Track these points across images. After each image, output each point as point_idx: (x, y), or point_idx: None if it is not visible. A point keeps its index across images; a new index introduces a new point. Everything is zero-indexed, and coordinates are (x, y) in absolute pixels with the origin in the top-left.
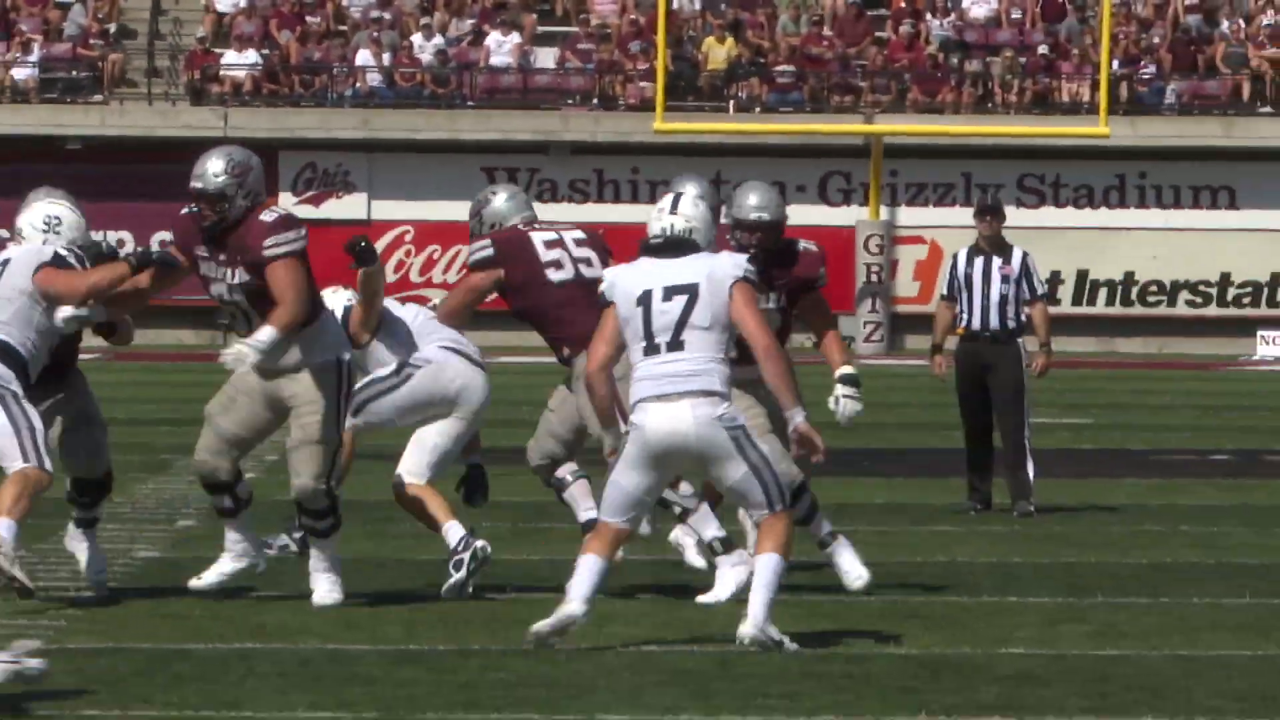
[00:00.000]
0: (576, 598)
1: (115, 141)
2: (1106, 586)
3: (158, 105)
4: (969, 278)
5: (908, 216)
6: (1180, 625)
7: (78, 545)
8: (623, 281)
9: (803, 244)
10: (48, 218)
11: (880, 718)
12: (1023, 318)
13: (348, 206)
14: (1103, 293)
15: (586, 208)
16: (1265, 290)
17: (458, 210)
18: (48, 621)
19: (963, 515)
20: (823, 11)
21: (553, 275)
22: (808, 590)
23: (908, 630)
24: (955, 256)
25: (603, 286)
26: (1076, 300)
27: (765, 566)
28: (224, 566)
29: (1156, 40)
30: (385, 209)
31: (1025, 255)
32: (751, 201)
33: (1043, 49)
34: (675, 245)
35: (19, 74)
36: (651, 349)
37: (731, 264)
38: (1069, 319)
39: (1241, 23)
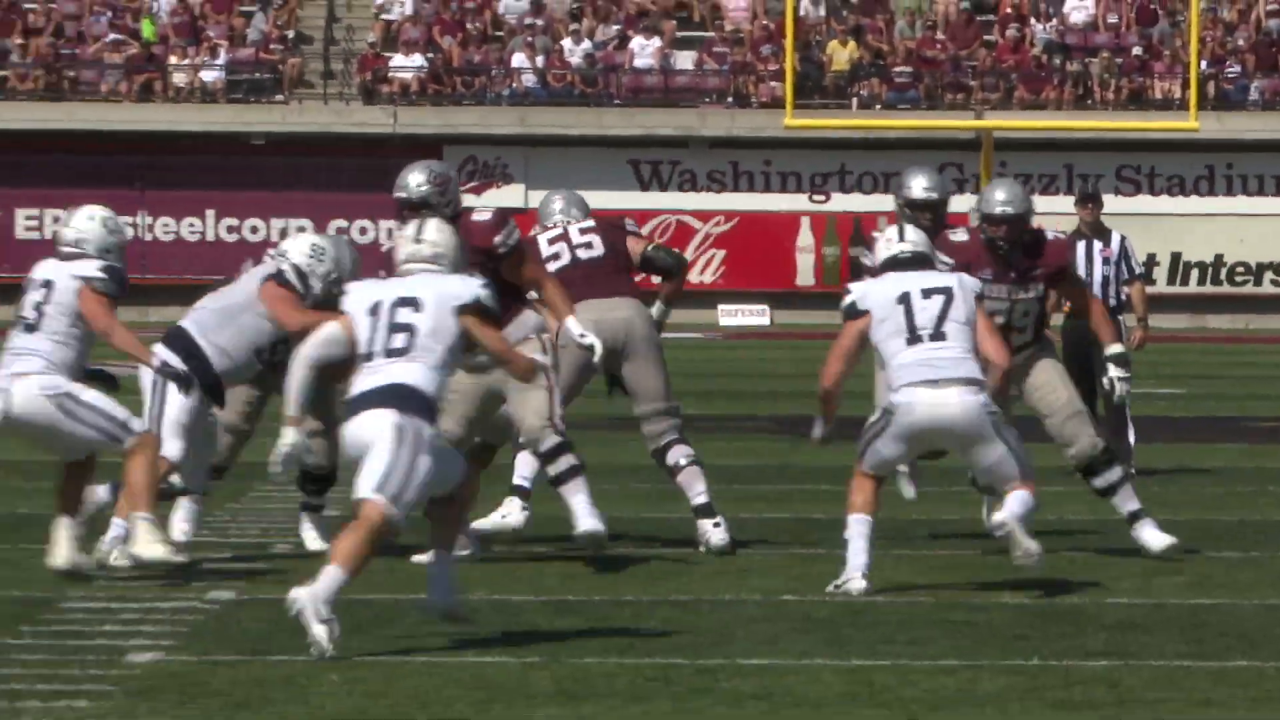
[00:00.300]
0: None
1: (295, 137)
2: (1201, 542)
3: (333, 104)
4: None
5: None
6: (1269, 577)
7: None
8: (875, 290)
9: (1050, 233)
10: (314, 246)
11: (997, 661)
12: (1122, 296)
13: (506, 196)
14: (1194, 273)
15: (723, 196)
16: None
17: (606, 199)
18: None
19: (1069, 476)
20: (936, 17)
21: (551, 266)
22: (933, 545)
23: (1022, 582)
24: None
25: (852, 298)
26: (1170, 280)
27: (1018, 499)
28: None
29: (1241, 42)
30: (540, 198)
31: (1123, 239)
32: (999, 196)
33: (1137, 50)
34: (918, 260)
35: (207, 76)
36: (915, 339)
37: (973, 281)
38: (1163, 298)
39: None
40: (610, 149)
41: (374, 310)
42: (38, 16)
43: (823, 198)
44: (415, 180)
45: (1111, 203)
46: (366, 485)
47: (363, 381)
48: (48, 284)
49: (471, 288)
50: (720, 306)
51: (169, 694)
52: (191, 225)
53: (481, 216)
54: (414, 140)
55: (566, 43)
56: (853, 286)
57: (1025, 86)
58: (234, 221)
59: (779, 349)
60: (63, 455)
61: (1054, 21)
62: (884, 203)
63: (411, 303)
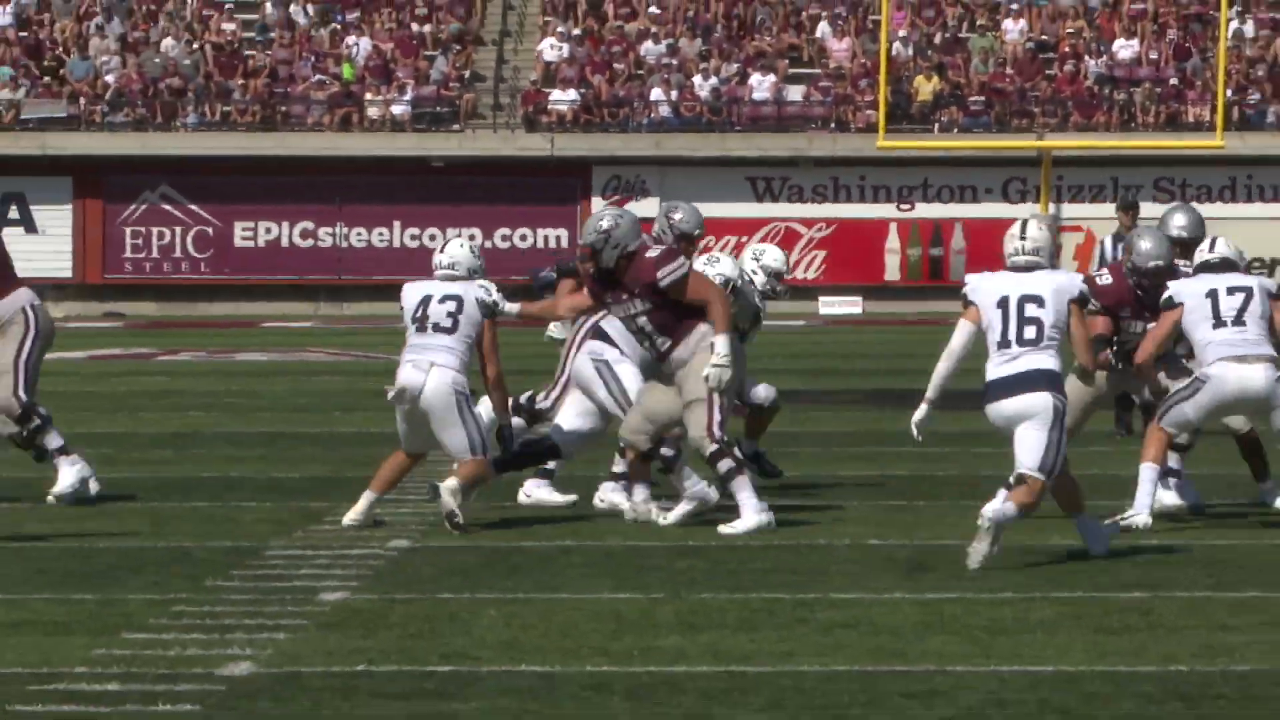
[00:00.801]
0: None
1: (468, 160)
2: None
3: (500, 132)
4: (1115, 258)
5: (1069, 211)
6: None
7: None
8: (1187, 286)
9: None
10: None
11: (1047, 594)
12: None
13: (643, 207)
14: None
15: (825, 206)
16: None
17: (728, 209)
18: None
19: (1111, 438)
20: (1005, 54)
21: None
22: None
23: (1069, 529)
24: (1102, 241)
25: (1169, 293)
26: None
27: None
28: (684, 507)
29: (1261, 73)
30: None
31: None
32: (1149, 249)
33: (1174, 81)
34: (1225, 265)
35: (397, 110)
36: (1219, 324)
37: (1270, 282)
38: None
39: None
40: (731, 168)
41: (1002, 304)
42: (256, 60)
43: (908, 207)
44: (589, 227)
45: (1149, 209)
46: (1030, 461)
47: (1005, 367)
48: (456, 299)
49: (1076, 282)
50: (820, 298)
51: (354, 628)
52: (380, 234)
53: (651, 253)
54: (567, 162)
55: (696, 79)
56: (1171, 285)
57: (1079, 112)
58: (416, 231)
59: (870, 334)
60: (420, 445)
61: (1104, 57)
62: (958, 211)
63: (1035, 299)
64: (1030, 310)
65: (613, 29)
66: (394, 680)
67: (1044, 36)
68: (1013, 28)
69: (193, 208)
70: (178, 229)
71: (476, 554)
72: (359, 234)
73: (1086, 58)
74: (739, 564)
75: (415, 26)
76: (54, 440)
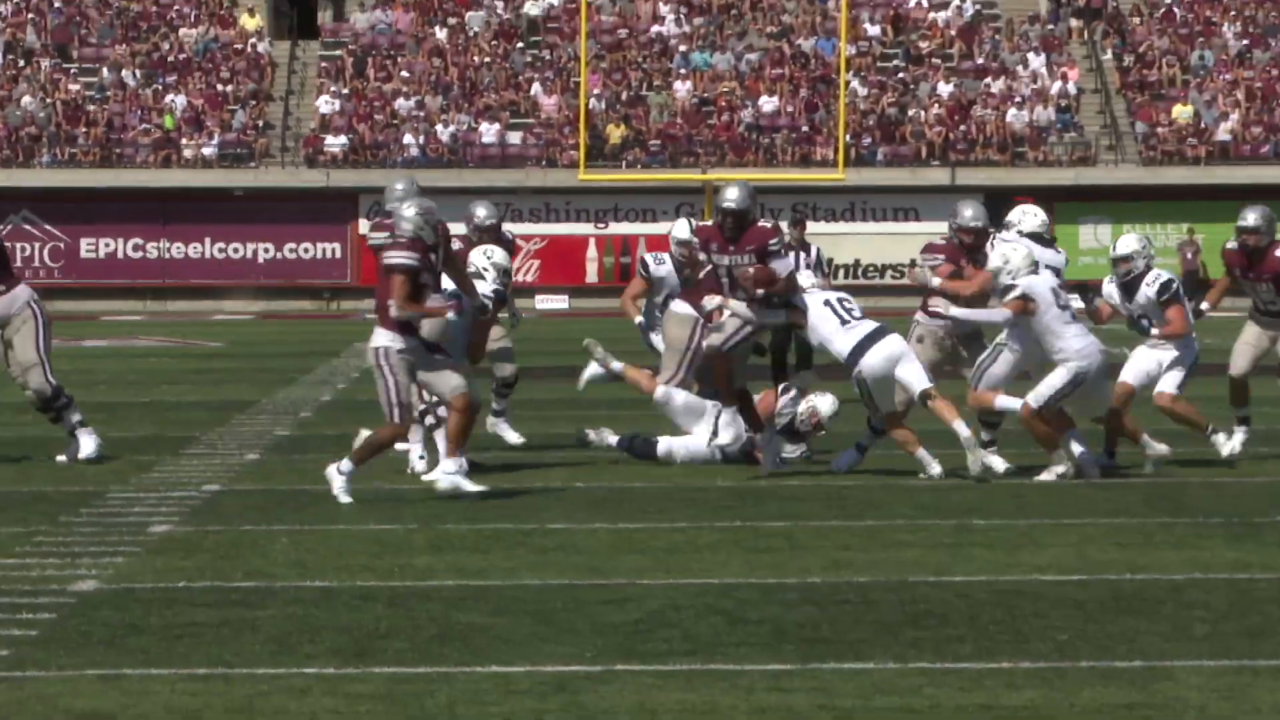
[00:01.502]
0: None
1: (263, 190)
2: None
3: (287, 168)
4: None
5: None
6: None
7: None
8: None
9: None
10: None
11: (713, 523)
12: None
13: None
14: (842, 272)
15: (540, 225)
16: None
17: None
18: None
19: None
20: (676, 108)
21: None
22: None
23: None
24: None
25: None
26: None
27: None
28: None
29: (871, 123)
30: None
31: (818, 249)
32: (968, 214)
33: (805, 128)
34: None
35: (206, 151)
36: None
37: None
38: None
39: (923, 112)
40: (467, 196)
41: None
42: (95, 113)
43: (604, 225)
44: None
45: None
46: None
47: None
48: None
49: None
50: (537, 296)
51: (175, 553)
52: (195, 248)
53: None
54: (340, 192)
55: (439, 127)
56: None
57: (734, 152)
58: (223, 245)
59: (575, 324)
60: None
61: (751, 110)
62: (642, 229)
63: None
64: None
65: (373, 88)
66: (207, 593)
67: (705, 94)
68: (681, 87)
69: (47, 227)
70: (36, 244)
71: (271, 495)
72: (178, 247)
73: (745, 108)
74: (476, 502)
75: (220, 86)
76: (74, 416)
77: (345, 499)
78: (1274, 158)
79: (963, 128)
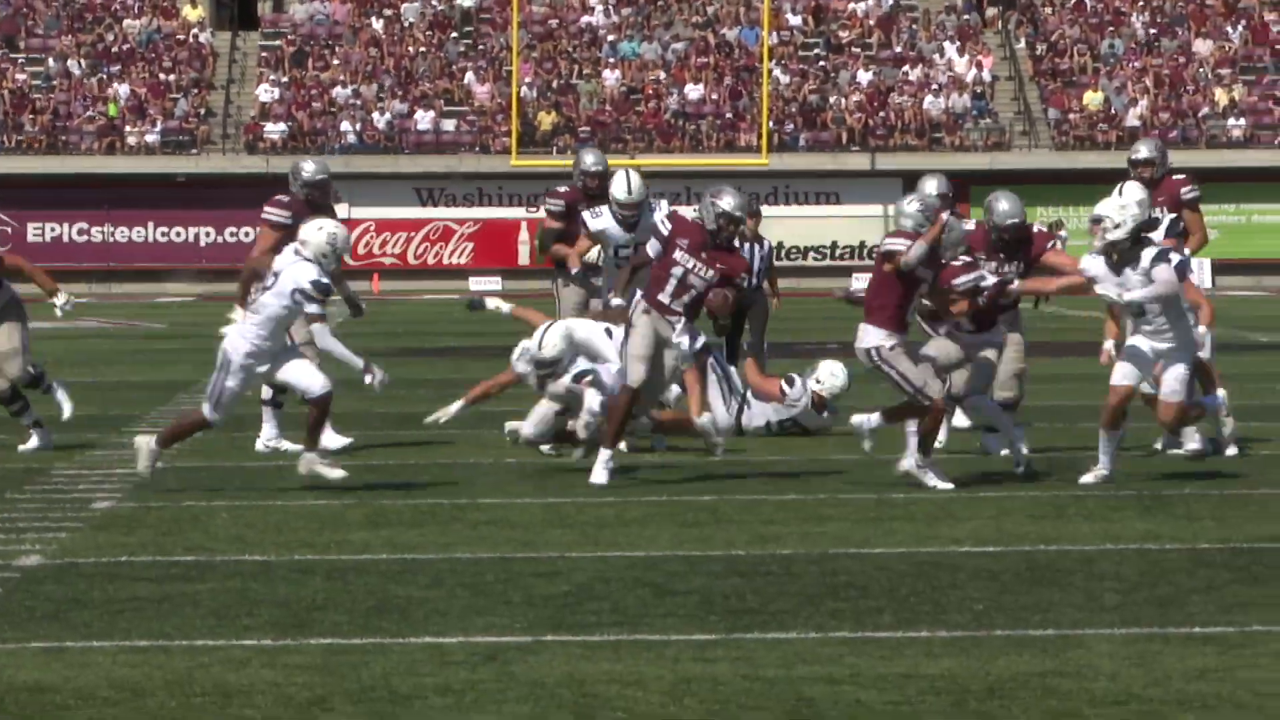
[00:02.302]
0: None
1: (205, 177)
2: None
3: (228, 155)
4: None
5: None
6: None
7: None
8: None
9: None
10: None
11: (641, 497)
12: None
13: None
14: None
15: (474, 209)
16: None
17: (400, 212)
18: None
19: None
20: (605, 96)
21: None
22: None
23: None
24: None
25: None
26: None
27: None
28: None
29: (794, 110)
30: (349, 215)
31: (767, 242)
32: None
33: (729, 115)
34: None
35: (150, 138)
36: None
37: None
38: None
39: (843, 99)
40: (403, 181)
41: None
42: (42, 102)
43: (535, 209)
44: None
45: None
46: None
47: None
48: None
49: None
50: (471, 278)
51: (118, 528)
52: (139, 232)
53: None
54: (279, 177)
55: (376, 114)
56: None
57: (661, 138)
58: (165, 229)
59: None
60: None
61: (677, 97)
62: None
63: None
64: None
65: (311, 77)
66: (148, 568)
67: (633, 82)
68: (610, 76)
69: None
70: None
71: (213, 472)
72: (122, 232)
73: (665, 98)
74: (410, 477)
75: (163, 76)
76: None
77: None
78: (1182, 142)
79: (881, 114)
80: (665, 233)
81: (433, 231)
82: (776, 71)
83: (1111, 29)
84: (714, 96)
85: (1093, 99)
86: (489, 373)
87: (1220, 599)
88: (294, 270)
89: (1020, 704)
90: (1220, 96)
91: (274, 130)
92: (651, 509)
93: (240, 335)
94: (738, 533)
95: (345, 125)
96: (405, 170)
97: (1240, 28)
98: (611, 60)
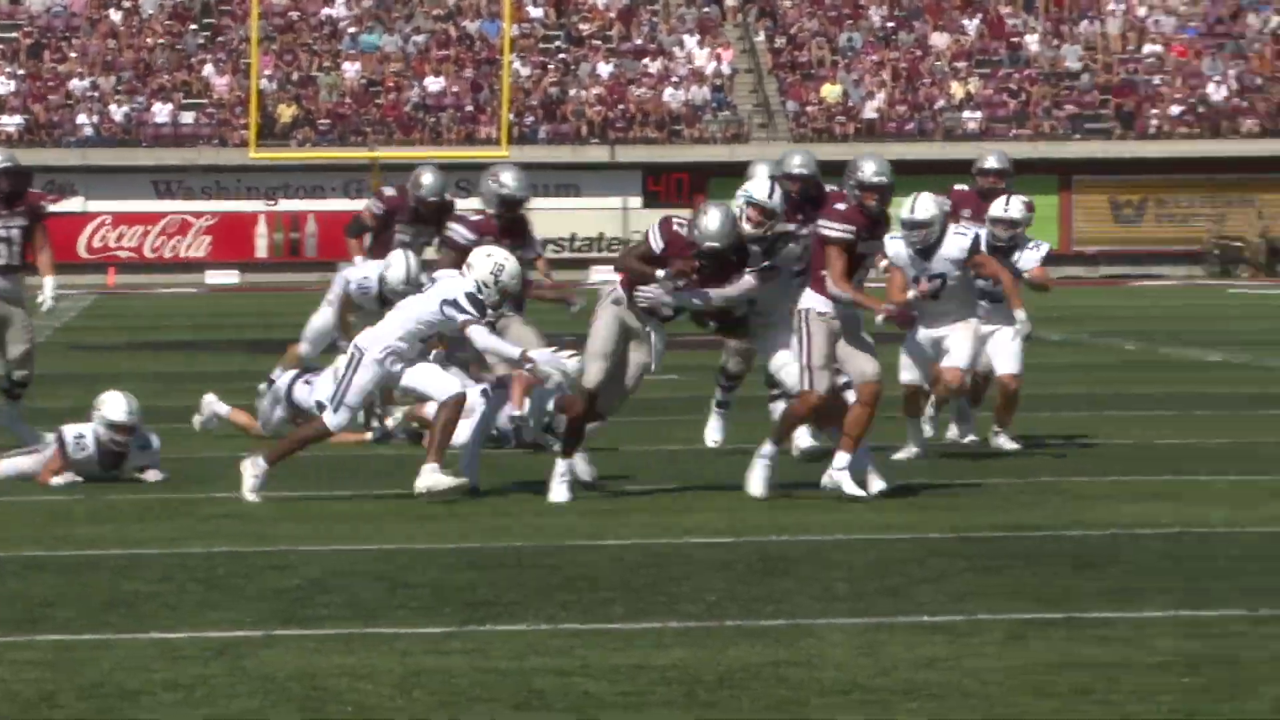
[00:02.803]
0: None
1: None
2: None
3: None
4: None
5: None
6: None
7: None
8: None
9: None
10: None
11: (374, 491)
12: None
13: (72, 204)
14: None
15: (210, 203)
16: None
17: (136, 205)
18: None
19: None
20: (345, 88)
21: None
22: None
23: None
24: None
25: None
26: None
27: None
28: None
29: (534, 102)
30: (95, 207)
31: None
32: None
33: (470, 108)
34: None
35: None
36: None
37: None
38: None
39: (583, 92)
40: (140, 174)
41: None
42: None
43: (274, 202)
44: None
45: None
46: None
47: None
48: None
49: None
50: (207, 271)
51: None
52: None
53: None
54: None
55: (113, 107)
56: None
57: (401, 131)
58: None
59: (245, 299)
60: None
61: (416, 89)
62: (312, 205)
63: None
64: None
65: (49, 69)
66: None
67: (373, 75)
68: (350, 68)
69: None
70: None
71: None
72: None
73: (406, 90)
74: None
75: None
76: None
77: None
78: (919, 135)
79: (621, 107)
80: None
81: (170, 225)
82: (517, 64)
83: (850, 22)
84: (454, 89)
85: (831, 91)
86: (221, 366)
87: (949, 588)
88: (451, 283)
89: (750, 694)
90: (956, 89)
91: (10, 123)
92: (387, 502)
93: (378, 333)
94: (472, 525)
95: (82, 118)
96: (142, 163)
97: (976, 21)
98: (352, 52)
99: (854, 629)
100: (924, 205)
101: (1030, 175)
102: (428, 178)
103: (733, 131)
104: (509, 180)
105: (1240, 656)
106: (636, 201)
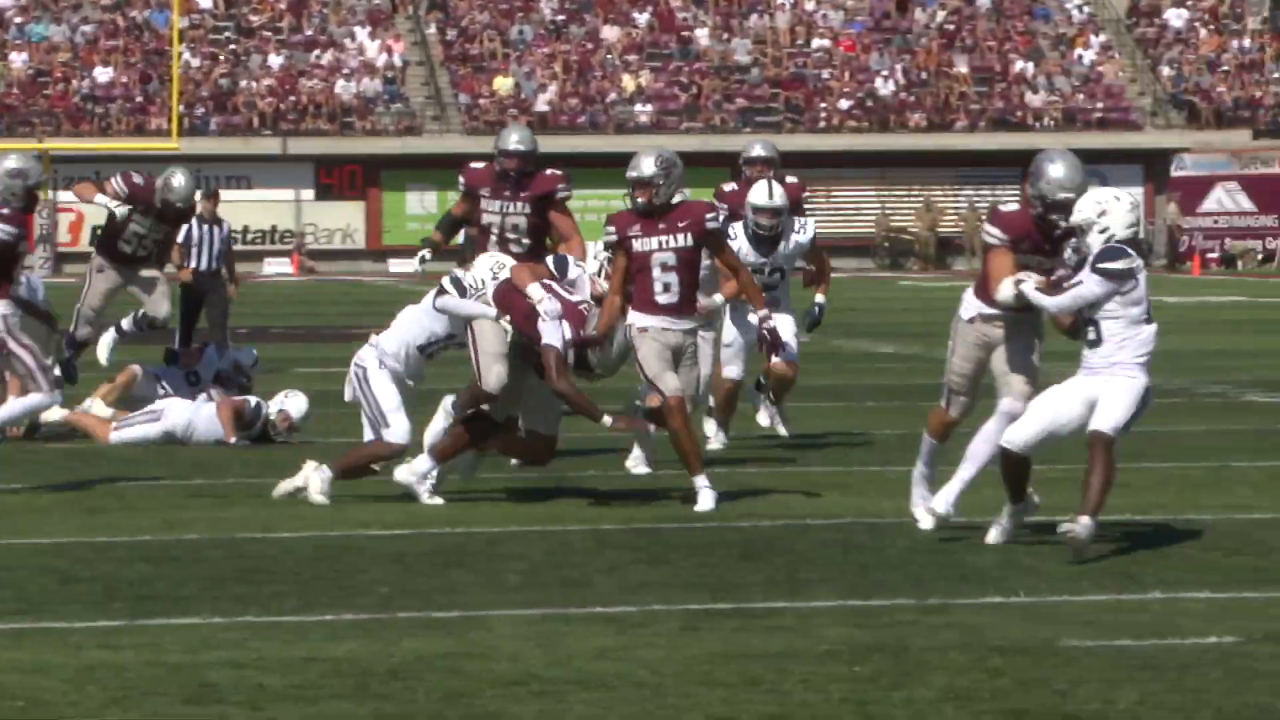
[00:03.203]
0: None
1: None
2: None
3: None
4: None
5: (65, 196)
6: None
7: None
8: None
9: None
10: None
11: (42, 484)
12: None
13: None
14: None
15: None
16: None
17: None
18: None
19: None
20: (13, 79)
21: None
22: None
23: None
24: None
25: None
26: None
27: None
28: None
29: (204, 94)
30: None
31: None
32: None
33: (140, 99)
34: None
35: None
36: None
37: None
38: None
39: (254, 83)
40: None
41: None
42: None
43: None
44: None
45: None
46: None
47: None
48: None
49: None
50: None
51: None
52: None
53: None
54: None
55: None
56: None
57: (69, 122)
58: None
59: None
60: None
61: (85, 80)
62: None
63: None
64: None
65: None
66: None
67: (41, 65)
68: (17, 58)
69: None
70: None
71: None
72: None
73: (75, 81)
74: None
75: None
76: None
77: None
78: (591, 128)
79: (293, 98)
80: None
81: None
82: (187, 55)
83: (521, 15)
84: (124, 79)
85: (503, 84)
86: None
87: (623, 579)
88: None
89: (424, 685)
90: (628, 83)
91: None
92: (59, 496)
93: (368, 348)
94: (145, 518)
95: None
96: None
97: (647, 15)
98: (19, 42)
99: (528, 620)
100: (781, 193)
101: (702, 168)
102: (178, 179)
103: (405, 124)
104: (176, 184)
105: (909, 644)
106: (309, 194)
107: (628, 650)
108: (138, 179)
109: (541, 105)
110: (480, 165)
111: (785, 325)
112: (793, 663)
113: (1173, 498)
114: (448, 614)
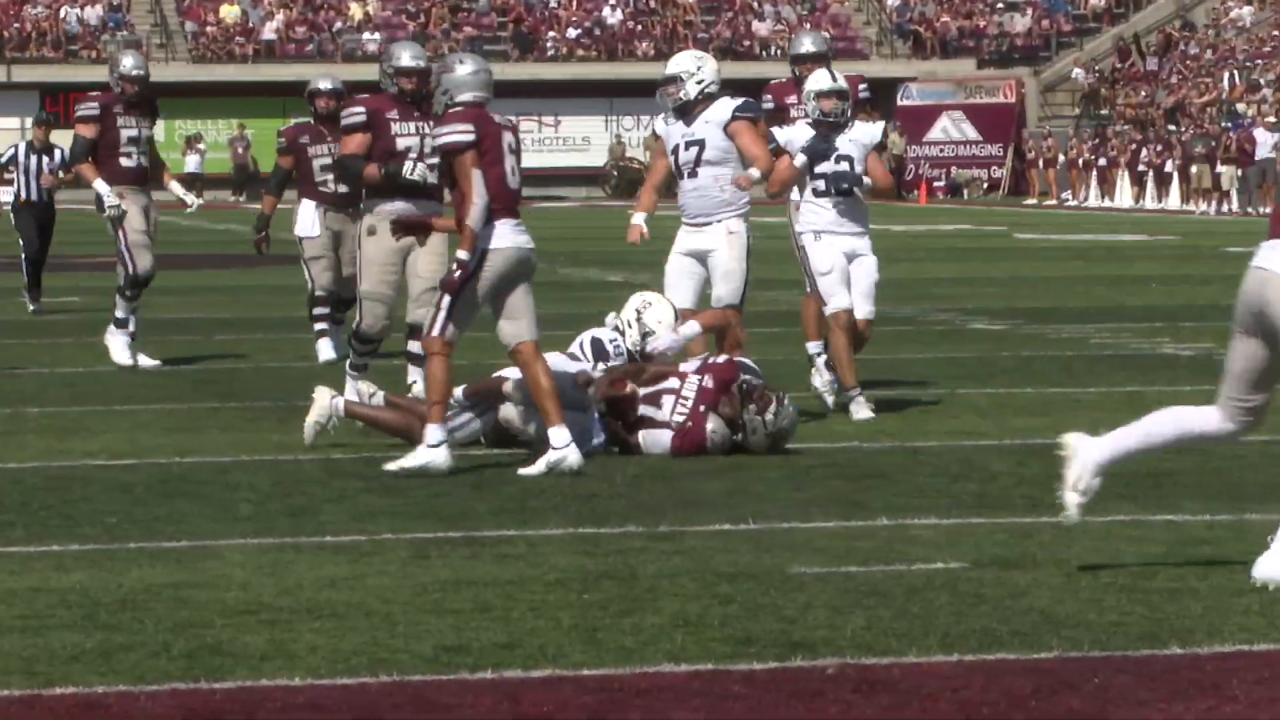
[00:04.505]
0: None
1: None
2: None
3: None
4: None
5: None
6: None
7: None
8: None
9: None
10: None
11: None
12: None
13: None
14: None
15: None
16: None
17: None
18: None
19: None
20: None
21: None
22: None
23: None
24: (16, 146)
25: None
26: None
27: None
28: None
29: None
30: None
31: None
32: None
33: None
34: None
35: None
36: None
37: None
38: None
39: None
40: None
41: None
42: None
43: None
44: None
45: None
46: None
47: None
48: None
49: None
50: None
51: None
52: None
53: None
54: None
55: None
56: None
57: None
58: None
59: None
60: None
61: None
62: None
63: None
64: None
65: None
66: None
67: None
68: None
69: None
70: None
71: None
72: None
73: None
74: None
75: None
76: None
77: None
78: (319, 57)
79: (16, 25)
80: None
81: None
82: None
83: None
84: None
85: (229, 12)
86: None
87: (353, 508)
88: None
89: (152, 615)
90: (355, 11)
91: None
92: None
93: None
94: None
95: None
96: None
97: None
98: None
99: (257, 549)
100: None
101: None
102: (127, 58)
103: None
104: (127, 62)
105: (639, 572)
106: None
107: (358, 579)
108: (92, 96)
109: (268, 33)
110: (364, 96)
111: (868, 271)
112: (522, 590)
113: (900, 425)
114: (176, 544)
